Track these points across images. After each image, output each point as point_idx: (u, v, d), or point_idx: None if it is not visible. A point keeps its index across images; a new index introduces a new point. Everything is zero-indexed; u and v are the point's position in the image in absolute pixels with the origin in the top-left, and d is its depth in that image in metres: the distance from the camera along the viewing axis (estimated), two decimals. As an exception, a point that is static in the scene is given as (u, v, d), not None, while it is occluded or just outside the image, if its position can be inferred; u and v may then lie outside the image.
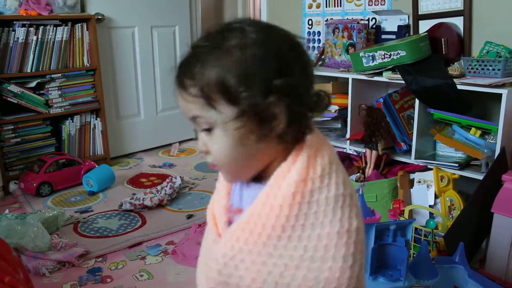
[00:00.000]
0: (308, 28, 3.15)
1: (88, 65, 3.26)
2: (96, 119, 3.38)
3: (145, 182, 3.11)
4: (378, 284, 1.62)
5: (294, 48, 0.71)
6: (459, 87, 2.09)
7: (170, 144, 3.97)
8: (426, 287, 1.69)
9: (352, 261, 0.69)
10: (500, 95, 1.98)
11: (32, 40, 2.96)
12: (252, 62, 0.67)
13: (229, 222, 0.80)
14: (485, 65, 2.09)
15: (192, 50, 0.71)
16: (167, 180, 2.86)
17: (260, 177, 0.78)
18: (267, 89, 0.67)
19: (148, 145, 3.83)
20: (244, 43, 0.68)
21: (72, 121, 3.26)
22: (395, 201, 2.11)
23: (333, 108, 2.65)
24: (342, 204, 0.70)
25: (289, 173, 0.70)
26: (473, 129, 2.17)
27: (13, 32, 2.89)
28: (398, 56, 2.31)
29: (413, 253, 1.91)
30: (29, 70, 2.99)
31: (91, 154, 3.39)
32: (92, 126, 3.37)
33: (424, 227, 1.99)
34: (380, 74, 2.43)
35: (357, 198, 0.76)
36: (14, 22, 2.90)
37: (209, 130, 0.71)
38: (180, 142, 4.05)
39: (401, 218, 2.00)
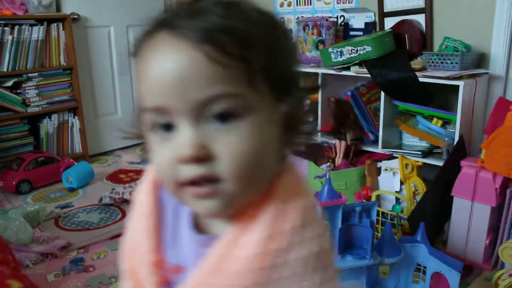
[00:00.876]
0: (280, 25, 3.27)
1: (64, 64, 3.31)
2: (74, 118, 3.43)
3: (124, 178, 3.18)
4: (346, 262, 1.74)
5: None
6: (421, 79, 2.22)
7: (147, 141, 4.03)
8: (391, 264, 1.83)
9: None
10: (458, 86, 2.11)
11: (8, 40, 3.00)
12: (287, 44, 0.55)
13: (166, 283, 0.58)
14: (444, 59, 2.23)
15: (201, 5, 0.49)
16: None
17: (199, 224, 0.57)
18: (299, 84, 0.55)
19: (126, 143, 3.88)
20: (269, 15, 0.53)
21: (50, 120, 3.31)
22: (363, 188, 2.24)
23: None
24: (317, 264, 0.51)
25: (253, 224, 0.51)
26: (434, 119, 2.31)
27: (-11, 32, 2.94)
28: (364, 51, 2.43)
29: (379, 235, 2.04)
30: (5, 70, 3.03)
31: (69, 152, 3.44)
32: (70, 124, 3.42)
33: (391, 211, 2.12)
34: (348, 68, 2.55)
35: (333, 254, 0.57)
36: (-11, 22, 2.95)
37: (225, 118, 0.47)
38: (158, 139, 4.12)
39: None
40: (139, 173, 3.22)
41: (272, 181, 0.53)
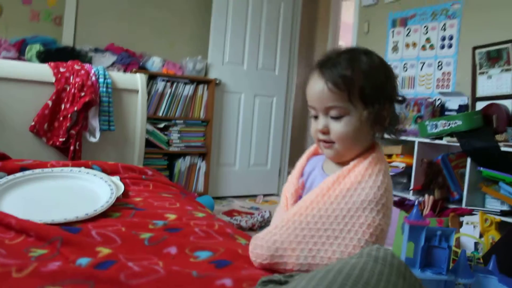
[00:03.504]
0: (385, 104, 3.86)
1: (203, 117, 4.11)
2: (202, 162, 4.15)
3: (237, 215, 3.75)
4: (425, 275, 2.14)
5: (394, 74, 1.09)
6: (502, 148, 2.66)
7: (256, 195, 4.64)
8: (463, 285, 2.18)
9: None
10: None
11: (167, 92, 3.86)
12: (381, 78, 1.03)
13: (299, 197, 1.12)
14: (525, 134, 2.66)
15: (336, 57, 1.03)
16: (258, 212, 3.51)
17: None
18: (387, 98, 1.04)
19: (238, 192, 4.53)
20: (375, 64, 1.03)
21: (184, 160, 4.05)
22: (445, 233, 2.63)
23: (400, 165, 3.25)
24: (370, 201, 0.99)
25: (353, 171, 1.02)
26: (515, 185, 2.69)
27: (155, 84, 3.81)
28: (455, 124, 2.92)
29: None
30: (161, 114, 3.86)
31: (192, 190, 4.12)
32: (198, 167, 4.14)
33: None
34: (440, 138, 3.03)
35: (391, 202, 1.04)
36: (157, 77, 3.83)
37: (337, 117, 1.01)
38: (264, 195, 4.71)
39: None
40: (250, 214, 3.79)
41: (368, 149, 1.07)
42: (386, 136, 1.12)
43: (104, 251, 1.02)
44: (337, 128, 1.01)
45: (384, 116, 1.04)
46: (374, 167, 1.02)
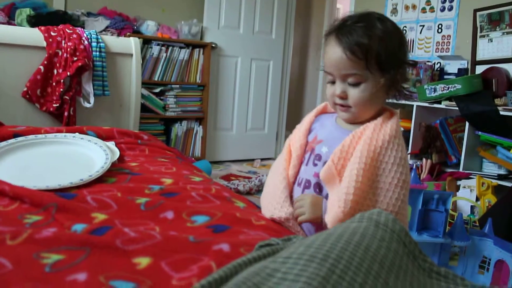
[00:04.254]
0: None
1: (199, 81, 4.06)
2: (199, 126, 4.13)
3: (234, 179, 3.76)
4: (422, 238, 2.15)
5: (405, 38, 1.12)
6: (502, 113, 2.63)
7: (253, 160, 4.64)
8: (459, 248, 2.20)
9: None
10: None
11: (163, 57, 3.80)
12: (395, 44, 1.06)
13: (312, 149, 1.16)
14: (524, 97, 2.63)
15: (352, 23, 1.05)
16: (255, 176, 3.51)
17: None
18: (400, 63, 1.08)
19: (235, 156, 4.53)
20: (389, 30, 1.06)
21: (181, 125, 4.02)
22: (442, 196, 2.64)
23: (398, 129, 3.24)
24: (403, 158, 1.05)
25: (386, 125, 1.06)
26: (512, 149, 2.69)
27: (150, 49, 3.74)
28: (454, 88, 2.89)
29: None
30: (156, 79, 3.81)
31: (190, 155, 4.11)
32: (195, 131, 4.11)
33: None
34: (439, 103, 3.01)
35: (409, 163, 1.16)
36: (152, 42, 3.76)
37: (354, 84, 1.05)
38: (262, 159, 4.71)
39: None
40: (248, 178, 3.80)
41: (383, 110, 1.11)
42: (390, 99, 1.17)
43: (100, 216, 1.01)
44: (355, 94, 1.06)
45: (398, 80, 1.09)
46: (400, 129, 1.10)
